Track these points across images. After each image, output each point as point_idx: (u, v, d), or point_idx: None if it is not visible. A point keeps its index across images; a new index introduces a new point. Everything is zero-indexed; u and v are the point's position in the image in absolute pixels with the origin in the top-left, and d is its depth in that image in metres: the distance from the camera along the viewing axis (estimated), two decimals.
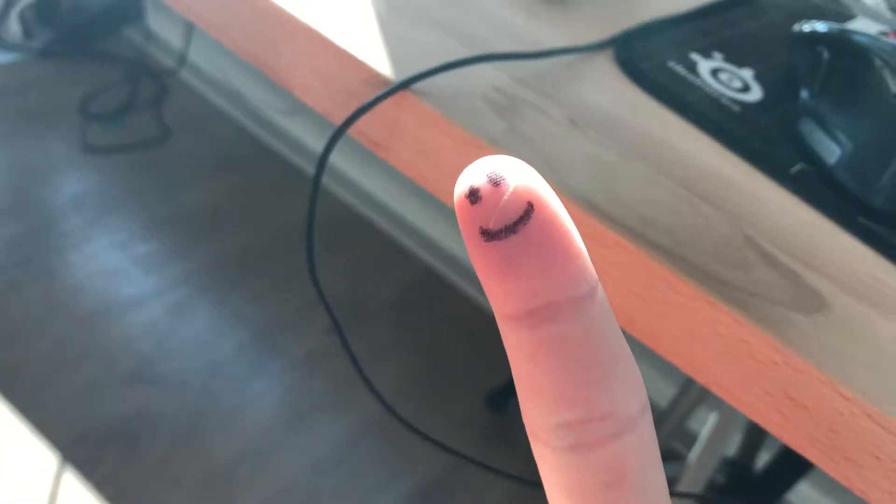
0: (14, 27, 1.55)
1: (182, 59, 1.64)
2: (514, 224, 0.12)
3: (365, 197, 1.52)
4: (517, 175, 0.13)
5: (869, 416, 0.25)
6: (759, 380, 0.26)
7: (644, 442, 0.14)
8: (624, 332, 0.28)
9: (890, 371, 0.26)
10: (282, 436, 1.07)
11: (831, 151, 0.33)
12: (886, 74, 0.33)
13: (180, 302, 1.19)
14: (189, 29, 1.58)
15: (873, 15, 0.49)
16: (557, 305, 0.13)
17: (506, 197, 0.12)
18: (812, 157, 0.33)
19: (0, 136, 1.39)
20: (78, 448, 0.98)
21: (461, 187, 0.13)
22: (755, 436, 1.05)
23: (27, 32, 1.57)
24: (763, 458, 1.05)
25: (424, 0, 0.35)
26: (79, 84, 1.52)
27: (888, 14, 0.50)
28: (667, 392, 1.17)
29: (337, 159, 1.52)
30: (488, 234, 0.12)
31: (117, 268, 1.21)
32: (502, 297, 0.13)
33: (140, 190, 1.37)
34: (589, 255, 0.27)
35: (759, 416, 0.27)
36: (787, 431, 0.27)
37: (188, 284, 1.22)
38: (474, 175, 0.13)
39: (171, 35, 1.68)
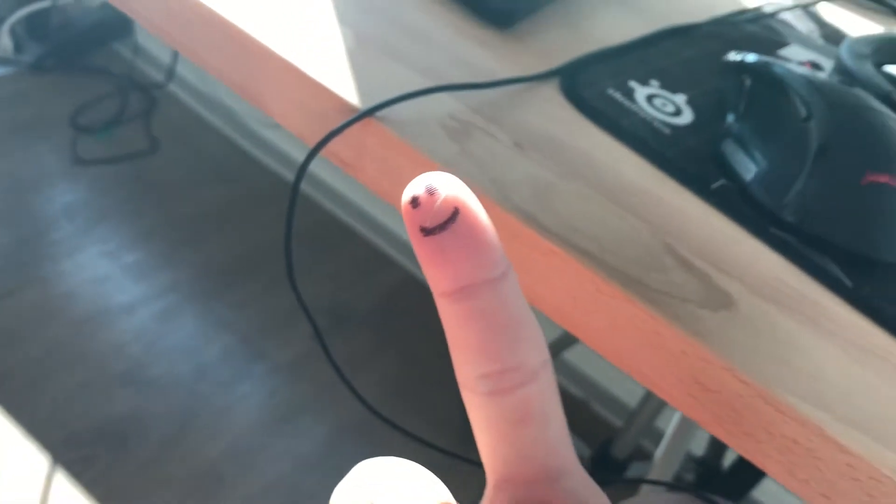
0: (5, 42, 1.57)
1: (170, 73, 1.67)
2: (444, 223, 0.16)
3: (348, 206, 1.55)
4: (447, 187, 0.16)
5: (762, 397, 0.29)
6: (672, 368, 0.31)
7: (545, 389, 0.18)
8: (558, 325, 0.33)
9: (783, 358, 0.30)
10: (266, 437, 1.11)
11: (749, 169, 0.37)
12: (797, 102, 0.38)
13: (168, 308, 1.22)
14: None
15: (806, 43, 0.54)
16: (478, 285, 0.17)
17: (438, 203, 0.16)
18: (732, 175, 0.38)
19: None
20: (69, 449, 1.01)
21: (406, 196, 0.16)
22: None
23: (18, 47, 1.60)
24: (730, 457, 1.09)
25: (388, 36, 0.39)
26: (69, 97, 1.55)
27: (820, 42, 0.55)
28: (637, 392, 1.21)
29: (321, 171, 1.56)
30: (425, 231, 0.16)
31: (107, 275, 1.24)
32: (437, 279, 0.17)
33: (129, 200, 1.41)
34: (528, 260, 0.32)
35: (674, 400, 0.31)
36: (698, 412, 0.31)
37: (176, 291, 1.26)
38: (416, 187, 0.16)
39: (159, 50, 1.72)
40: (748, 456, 0.31)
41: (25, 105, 1.53)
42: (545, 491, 0.18)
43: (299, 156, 1.58)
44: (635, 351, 0.31)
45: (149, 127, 1.57)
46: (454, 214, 0.16)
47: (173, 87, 1.72)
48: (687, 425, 0.92)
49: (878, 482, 0.28)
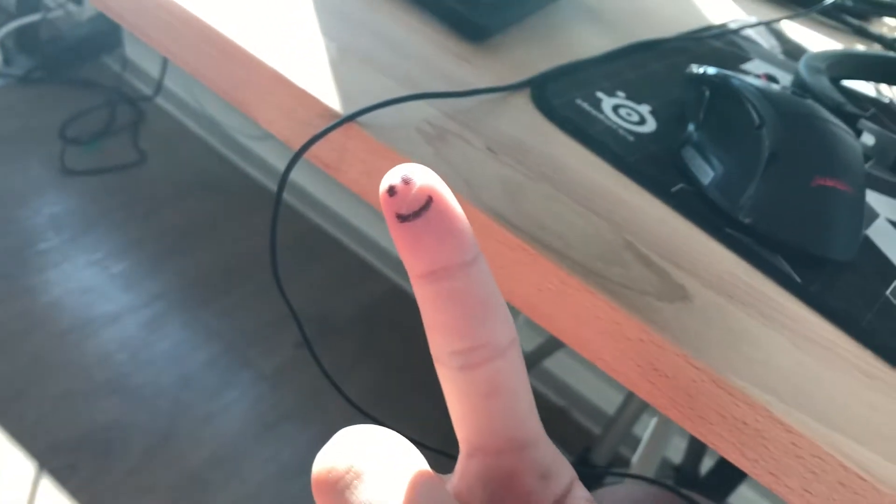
0: None
1: (158, 87, 1.69)
2: (419, 210, 0.17)
3: (332, 217, 1.57)
4: (421, 177, 0.17)
5: (714, 381, 0.31)
6: (630, 354, 0.33)
7: (513, 364, 0.19)
8: (525, 315, 0.35)
9: (735, 346, 0.33)
10: (250, 444, 1.12)
11: (706, 174, 0.40)
12: (751, 110, 0.40)
13: (154, 317, 1.24)
14: (165, 58, 1.63)
15: (767, 58, 0.57)
16: (450, 267, 0.18)
17: (413, 192, 0.17)
18: (691, 179, 0.40)
19: None
20: (55, 456, 1.02)
21: (384, 185, 0.17)
22: (699, 444, 1.12)
23: (7, 59, 1.61)
24: (707, 464, 1.12)
25: (369, 47, 0.41)
26: (58, 109, 1.56)
27: (781, 57, 0.58)
28: (615, 400, 1.23)
29: (306, 182, 1.58)
30: (401, 218, 0.17)
31: (94, 285, 1.25)
32: (412, 262, 0.18)
33: (116, 210, 1.42)
34: (498, 255, 0.35)
35: (632, 385, 0.33)
36: (654, 397, 0.33)
37: (162, 301, 1.27)
38: (392, 176, 0.17)
39: (147, 63, 1.73)
40: (702, 437, 0.33)
41: (14, 117, 1.54)
42: (512, 459, 0.20)
43: (282, 167, 1.60)
44: (597, 339, 0.33)
45: (136, 139, 1.58)
46: (427, 202, 0.17)
47: (161, 100, 1.73)
48: (663, 431, 0.94)
49: (821, 459, 0.30)
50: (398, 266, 1.50)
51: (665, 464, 1.21)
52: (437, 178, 0.18)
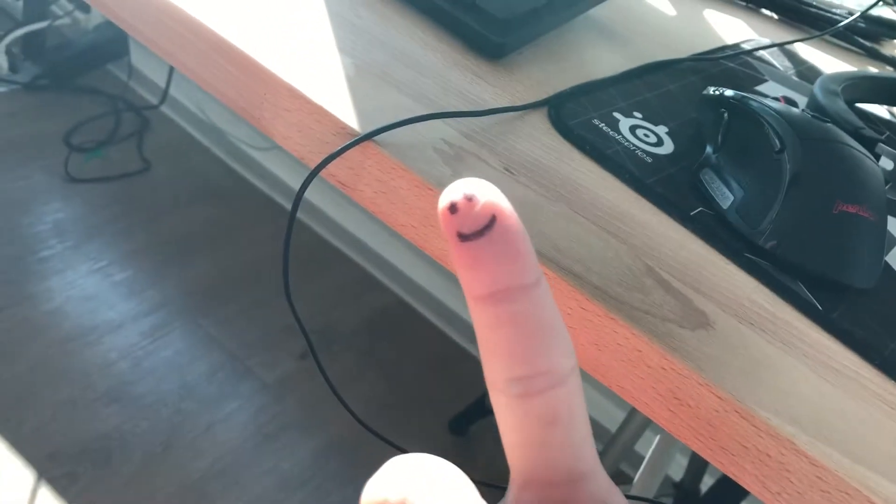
0: (1, 61, 1.58)
1: (163, 95, 1.69)
2: (482, 230, 0.16)
3: (336, 229, 1.57)
4: (485, 193, 0.16)
5: (738, 412, 0.31)
6: (651, 382, 0.32)
7: (573, 393, 0.18)
8: None
9: (757, 375, 0.32)
10: (251, 455, 1.11)
11: (726, 198, 0.39)
12: (771, 135, 0.40)
13: (156, 326, 1.23)
14: (171, 67, 1.64)
15: (782, 80, 0.56)
16: (511, 290, 0.17)
17: (476, 209, 0.16)
18: (710, 202, 0.40)
19: None
20: (54, 465, 1.01)
21: (444, 201, 0.16)
22: (699, 461, 1.11)
23: (13, 66, 1.61)
24: (707, 483, 1.11)
25: (386, 64, 0.41)
26: (63, 117, 1.56)
27: (795, 79, 0.58)
28: (617, 416, 1.22)
29: (311, 194, 1.58)
30: (463, 237, 0.16)
31: (96, 293, 1.25)
32: (471, 283, 0.17)
33: (120, 219, 1.42)
34: None
35: (652, 413, 0.33)
36: (675, 426, 0.33)
37: (164, 309, 1.26)
38: (454, 192, 0.16)
39: (152, 72, 1.73)
40: (723, 469, 0.32)
41: (19, 124, 1.54)
42: (568, 493, 0.19)
43: (288, 177, 1.60)
44: (617, 367, 0.33)
45: (141, 147, 1.58)
46: (491, 221, 0.16)
47: (166, 109, 1.73)
48: (665, 449, 0.93)
49: (848, 495, 0.29)
50: (402, 279, 1.50)
51: (666, 480, 1.20)
52: (501, 194, 0.17)
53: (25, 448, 1.02)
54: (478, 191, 0.16)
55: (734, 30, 0.65)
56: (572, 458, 0.19)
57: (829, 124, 0.41)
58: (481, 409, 1.20)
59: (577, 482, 0.19)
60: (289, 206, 1.60)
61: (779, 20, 0.71)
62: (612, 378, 0.33)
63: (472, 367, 1.37)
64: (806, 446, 0.30)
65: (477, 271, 0.17)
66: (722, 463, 0.32)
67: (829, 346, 0.35)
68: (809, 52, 0.65)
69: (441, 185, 0.35)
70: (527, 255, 0.17)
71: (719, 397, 0.31)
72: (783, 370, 0.33)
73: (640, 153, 0.41)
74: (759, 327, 0.34)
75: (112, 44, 1.73)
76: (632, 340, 0.32)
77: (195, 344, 1.24)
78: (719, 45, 0.59)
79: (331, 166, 0.37)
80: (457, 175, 0.36)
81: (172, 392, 1.16)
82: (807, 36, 0.63)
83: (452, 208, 0.16)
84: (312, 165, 0.36)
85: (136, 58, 1.76)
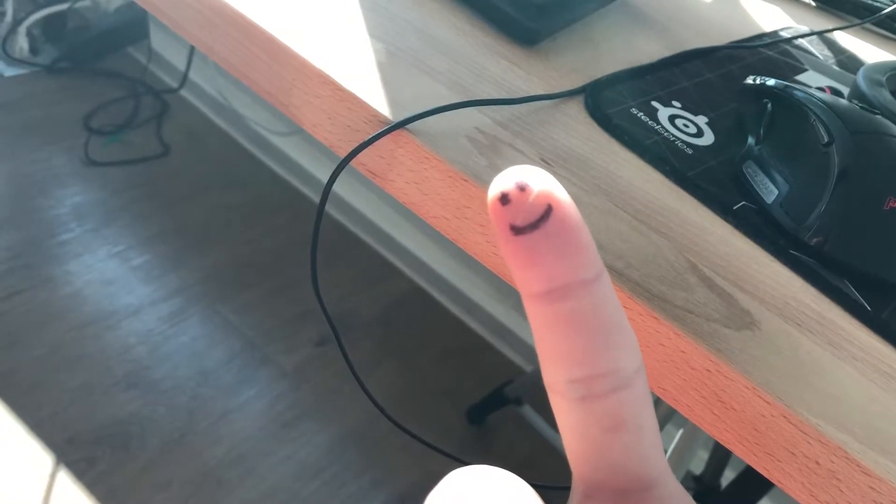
0: (21, 43, 1.58)
1: (183, 79, 1.68)
2: (537, 221, 0.15)
3: (354, 215, 1.56)
4: (539, 182, 0.15)
5: (785, 417, 0.30)
6: (694, 385, 0.31)
7: (639, 395, 0.17)
8: None
9: (805, 378, 0.31)
10: (268, 442, 1.11)
11: (770, 192, 0.38)
12: (818, 127, 0.38)
13: (175, 311, 1.23)
14: (191, 50, 1.63)
15: (822, 69, 0.54)
16: (570, 286, 0.15)
17: (530, 200, 0.15)
18: (753, 196, 0.38)
19: (5, 148, 1.42)
20: (72, 449, 1.02)
21: (494, 191, 0.15)
22: (721, 455, 1.09)
23: (34, 49, 1.61)
24: (728, 477, 1.09)
25: (417, 50, 0.40)
26: (82, 99, 1.56)
27: (835, 68, 0.56)
28: None
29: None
30: (516, 230, 0.15)
31: (115, 277, 1.25)
32: (527, 280, 0.16)
33: (139, 203, 1.41)
34: None
35: (695, 417, 0.32)
36: (719, 430, 0.31)
37: (182, 294, 1.26)
38: (505, 181, 0.15)
39: (173, 55, 1.73)
40: (768, 475, 0.31)
41: (38, 106, 1.54)
42: (636, 501, 0.17)
43: (308, 164, 1.59)
44: (659, 368, 0.32)
45: (160, 131, 1.58)
46: (547, 212, 0.15)
47: (185, 93, 1.73)
48: (687, 444, 0.92)
49: None
50: (420, 267, 1.49)
51: (686, 474, 1.19)
52: (557, 182, 0.15)
53: (44, 432, 1.03)
54: (531, 179, 0.15)
55: (771, 17, 0.63)
56: (639, 464, 0.17)
57: (878, 116, 0.39)
58: (499, 399, 1.19)
59: (646, 490, 0.17)
60: (309, 193, 1.59)
61: (816, 7, 0.69)
62: (652, 380, 0.32)
63: (490, 357, 1.36)
64: (858, 454, 0.28)
65: (532, 267, 0.15)
66: (767, 469, 0.31)
67: (880, 349, 0.33)
68: (849, 41, 0.63)
69: (475, 176, 0.34)
70: (587, 248, 0.16)
71: (766, 401, 0.30)
72: (832, 374, 0.31)
73: (679, 144, 0.40)
74: (805, 328, 0.33)
75: (132, 27, 1.72)
76: (675, 341, 0.30)
77: (213, 330, 1.23)
78: (756, 32, 0.57)
79: (361, 155, 0.35)
80: (492, 166, 0.34)
81: (190, 378, 1.15)
82: (847, 24, 0.61)
83: (504, 199, 0.15)
84: (342, 154, 0.35)
85: (156, 41, 1.75)
